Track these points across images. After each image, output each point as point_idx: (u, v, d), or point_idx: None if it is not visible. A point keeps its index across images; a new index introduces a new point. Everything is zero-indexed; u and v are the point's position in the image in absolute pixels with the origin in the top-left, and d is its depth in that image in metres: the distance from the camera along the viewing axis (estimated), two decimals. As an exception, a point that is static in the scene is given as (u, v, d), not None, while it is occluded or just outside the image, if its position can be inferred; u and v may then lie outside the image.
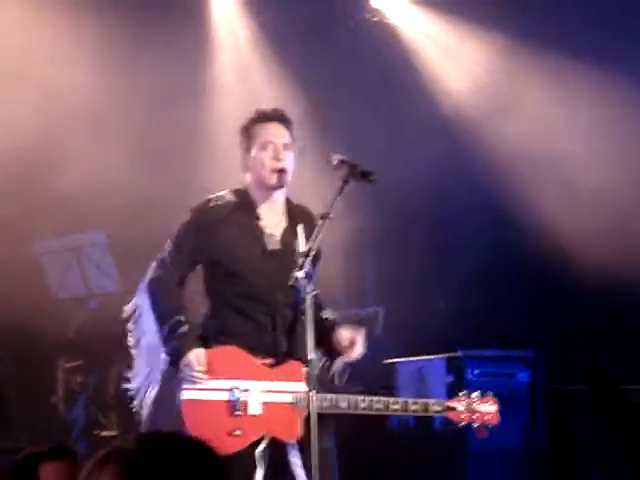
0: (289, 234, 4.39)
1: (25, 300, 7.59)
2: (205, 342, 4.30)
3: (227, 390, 4.18)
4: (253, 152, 4.43)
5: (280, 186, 4.41)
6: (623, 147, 7.75)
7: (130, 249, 7.83)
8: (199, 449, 2.05)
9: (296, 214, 4.43)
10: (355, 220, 7.53)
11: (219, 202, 4.44)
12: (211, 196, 4.47)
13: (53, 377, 7.92)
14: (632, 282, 7.32)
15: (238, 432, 4.14)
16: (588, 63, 7.74)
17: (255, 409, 4.22)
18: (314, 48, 8.58)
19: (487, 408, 4.51)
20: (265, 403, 4.24)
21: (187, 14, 8.43)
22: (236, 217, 4.40)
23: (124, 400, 7.71)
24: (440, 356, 7.38)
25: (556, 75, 8.02)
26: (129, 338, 4.55)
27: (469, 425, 4.48)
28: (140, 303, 4.46)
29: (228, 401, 4.18)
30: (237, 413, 4.17)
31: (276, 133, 4.44)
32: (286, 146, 4.42)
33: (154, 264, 4.43)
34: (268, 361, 4.29)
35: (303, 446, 4.20)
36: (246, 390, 4.20)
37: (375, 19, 8.83)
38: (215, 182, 8.00)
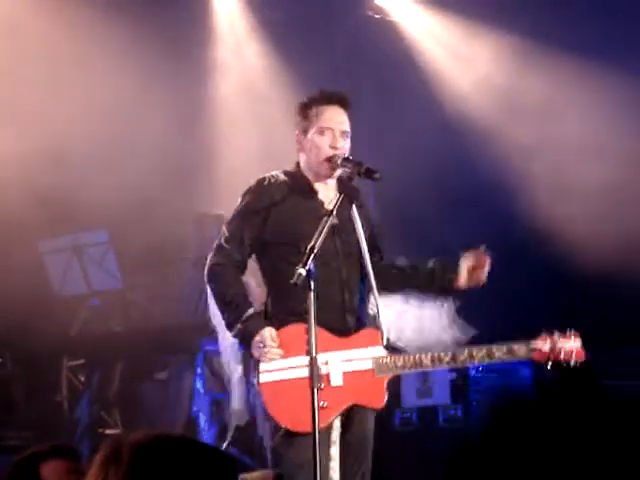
0: (345, 208, 4.29)
1: (28, 299, 7.60)
2: (271, 324, 4.23)
3: (305, 366, 4.02)
4: (310, 134, 4.35)
5: (331, 177, 4.37)
6: (628, 143, 7.74)
7: (132, 247, 7.85)
8: (214, 454, 2.01)
9: (346, 189, 4.29)
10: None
11: (273, 182, 4.36)
12: (265, 176, 4.39)
13: (57, 376, 7.92)
14: (633, 274, 7.33)
15: (324, 404, 4.00)
16: (593, 60, 7.73)
17: (337, 380, 4.18)
18: (316, 45, 8.57)
19: (571, 345, 4.29)
20: (346, 373, 4.20)
21: (188, 12, 8.42)
22: (293, 196, 4.34)
23: (127, 398, 7.81)
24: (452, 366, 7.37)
25: (562, 73, 8.01)
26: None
27: (557, 364, 4.28)
28: (208, 292, 4.42)
29: (308, 377, 4.03)
30: (319, 387, 4.00)
31: (336, 119, 4.35)
32: (344, 133, 4.35)
33: (212, 252, 4.37)
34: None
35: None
36: (325, 363, 4.14)
37: (377, 16, 8.81)
38: (217, 182, 8.08)
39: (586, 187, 7.69)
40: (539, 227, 7.90)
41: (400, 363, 4.26)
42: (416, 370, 4.33)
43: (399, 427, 7.57)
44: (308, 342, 3.94)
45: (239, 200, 4.41)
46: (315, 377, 3.90)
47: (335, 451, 4.24)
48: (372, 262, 4.37)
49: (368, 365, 4.24)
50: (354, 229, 4.35)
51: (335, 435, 4.25)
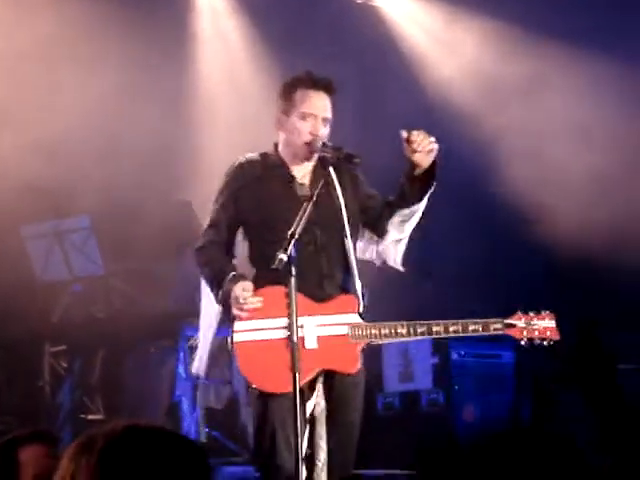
0: (319, 179, 4.28)
1: (9, 285, 7.58)
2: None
3: (282, 328, 4.10)
4: (292, 117, 4.36)
5: (309, 160, 4.38)
6: (614, 131, 7.75)
7: (113, 232, 7.83)
8: (186, 445, 2.01)
9: (326, 163, 4.33)
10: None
11: (248, 164, 4.40)
12: (239, 158, 4.43)
13: (39, 362, 7.91)
14: (620, 257, 7.36)
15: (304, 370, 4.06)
16: (577, 46, 7.74)
17: (311, 343, 4.19)
18: (297, 29, 8.55)
19: (546, 323, 4.38)
20: (320, 337, 4.21)
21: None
22: (268, 177, 4.37)
23: (109, 383, 7.81)
24: (423, 337, 7.39)
25: (546, 59, 8.01)
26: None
27: (530, 342, 4.37)
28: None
29: (284, 338, 4.10)
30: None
31: (319, 105, 4.36)
32: (325, 120, 4.36)
33: (200, 237, 4.42)
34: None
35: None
36: (300, 326, 4.11)
37: (359, 1, 8.79)
38: (197, 168, 8.07)
39: (572, 171, 7.72)
40: (524, 211, 7.92)
41: (375, 331, 4.29)
42: (391, 339, 4.38)
43: (381, 412, 7.60)
44: (287, 310, 4.01)
45: (222, 181, 4.45)
46: (295, 360, 3.92)
47: (322, 431, 4.25)
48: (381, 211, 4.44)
49: (343, 331, 4.27)
50: (334, 201, 4.35)
51: (322, 415, 4.26)
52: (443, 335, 4.39)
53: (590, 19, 7.78)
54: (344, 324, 4.27)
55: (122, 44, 7.74)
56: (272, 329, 4.17)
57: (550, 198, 7.76)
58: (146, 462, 1.93)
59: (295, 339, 3.97)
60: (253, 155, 4.45)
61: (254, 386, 4.19)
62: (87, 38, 7.70)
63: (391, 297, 8.11)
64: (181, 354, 7.39)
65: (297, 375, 3.92)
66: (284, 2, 8.59)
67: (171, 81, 8.24)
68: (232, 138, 7.89)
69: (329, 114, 4.38)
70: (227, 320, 4.25)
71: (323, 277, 4.31)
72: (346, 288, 4.35)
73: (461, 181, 8.38)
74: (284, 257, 3.91)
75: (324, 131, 4.35)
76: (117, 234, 7.81)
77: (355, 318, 4.28)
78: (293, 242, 3.93)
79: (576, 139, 7.77)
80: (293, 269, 3.93)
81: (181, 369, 7.39)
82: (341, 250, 4.35)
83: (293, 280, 3.94)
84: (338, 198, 4.35)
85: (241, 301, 4.13)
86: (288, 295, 4.01)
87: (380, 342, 4.40)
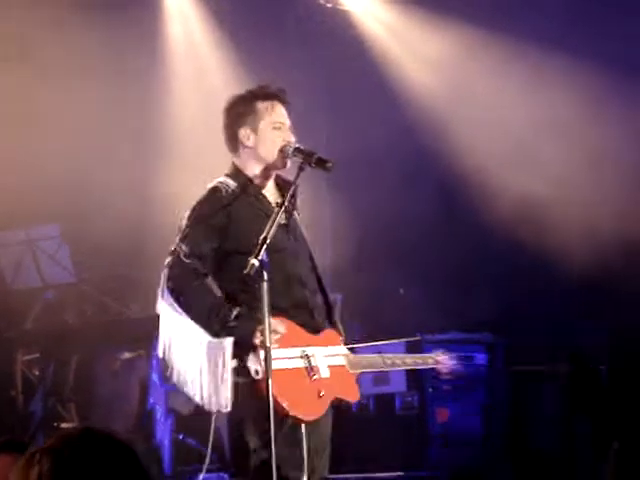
0: (289, 210, 4.29)
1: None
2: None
3: (299, 357, 4.20)
4: (263, 130, 4.31)
5: (284, 167, 4.34)
6: (583, 137, 7.80)
7: (82, 241, 7.82)
8: (121, 447, 2.06)
9: (284, 187, 4.33)
10: (312, 207, 7.54)
11: (225, 191, 4.27)
12: (216, 185, 4.29)
13: (11, 370, 7.86)
14: (595, 259, 7.41)
15: (322, 393, 4.21)
16: (554, 53, 7.78)
17: (325, 372, 4.28)
18: (266, 34, 8.56)
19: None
20: (330, 367, 4.30)
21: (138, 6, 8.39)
22: (245, 202, 4.28)
23: (82, 391, 7.77)
24: (399, 340, 7.41)
25: (519, 65, 8.06)
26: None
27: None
28: (164, 310, 4.21)
29: (305, 367, 4.21)
30: (315, 377, 4.20)
31: (284, 113, 4.37)
32: (291, 128, 4.37)
33: (168, 266, 4.19)
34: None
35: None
36: (312, 355, 4.23)
37: (329, 5, 8.81)
38: (169, 175, 8.06)
39: (548, 180, 7.78)
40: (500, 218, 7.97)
41: (365, 362, 4.46)
42: (378, 369, 4.61)
43: (356, 414, 7.61)
44: (290, 335, 4.11)
45: (190, 211, 4.27)
46: (269, 369, 3.92)
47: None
48: None
49: (342, 361, 4.36)
50: (300, 231, 4.41)
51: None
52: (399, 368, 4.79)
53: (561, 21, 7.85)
54: (341, 355, 4.36)
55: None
56: (292, 358, 4.21)
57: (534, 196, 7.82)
58: (76, 465, 2.01)
59: (268, 365, 3.93)
60: (227, 180, 4.32)
61: (292, 414, 4.13)
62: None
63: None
64: (154, 361, 7.36)
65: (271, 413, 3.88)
66: (253, 5, 8.60)
67: (142, 95, 8.24)
68: (203, 146, 7.88)
69: (290, 122, 4.39)
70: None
71: (312, 309, 4.32)
72: (330, 317, 4.42)
73: (433, 185, 8.44)
74: (255, 262, 3.89)
75: (293, 138, 4.35)
76: (89, 241, 7.80)
77: (344, 350, 4.39)
78: (265, 247, 3.93)
79: (552, 137, 7.84)
80: (265, 274, 3.92)
81: (155, 376, 7.36)
82: (316, 278, 4.41)
83: (265, 285, 3.94)
84: (301, 231, 4.41)
85: (280, 331, 4.08)
86: (291, 326, 4.14)
87: (368, 371, 4.58)
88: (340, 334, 4.40)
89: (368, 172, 8.41)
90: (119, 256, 8.02)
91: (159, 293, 4.20)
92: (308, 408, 4.17)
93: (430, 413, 7.35)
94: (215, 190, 4.29)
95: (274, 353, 4.02)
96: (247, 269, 3.87)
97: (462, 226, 8.29)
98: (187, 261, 4.17)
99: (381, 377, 7.53)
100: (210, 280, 4.25)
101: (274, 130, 4.32)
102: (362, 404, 7.61)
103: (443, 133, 8.26)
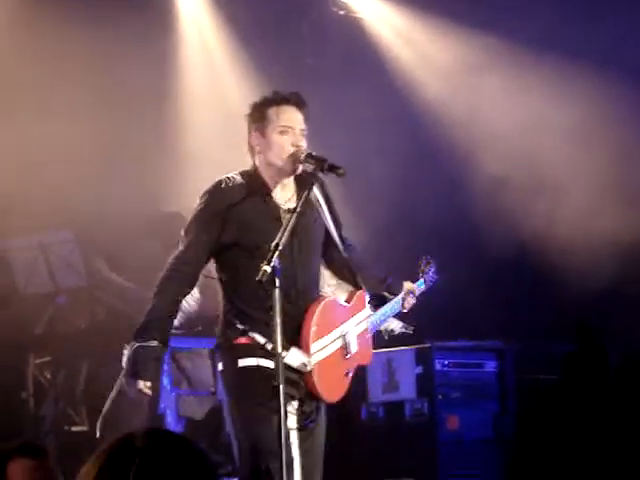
0: (304, 206, 4.23)
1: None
2: (234, 327, 4.28)
3: (339, 337, 4.39)
4: (269, 135, 4.33)
5: (295, 173, 4.36)
6: (588, 143, 7.81)
7: (95, 246, 7.85)
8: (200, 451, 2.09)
9: (305, 183, 4.30)
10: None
11: (230, 185, 4.33)
12: (221, 178, 4.36)
13: (23, 374, 7.89)
14: (603, 265, 7.41)
15: (348, 372, 4.42)
16: (561, 59, 7.79)
17: (354, 347, 4.46)
18: (280, 41, 8.58)
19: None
20: (357, 336, 4.49)
21: (152, 8, 8.41)
22: (250, 198, 4.31)
23: (93, 394, 7.79)
24: (409, 347, 7.42)
25: (528, 72, 8.07)
26: None
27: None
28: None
29: (341, 347, 4.40)
30: (348, 356, 4.42)
31: (295, 118, 4.35)
32: (303, 132, 4.37)
33: (172, 256, 4.34)
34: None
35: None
36: (347, 333, 4.43)
37: (341, 12, 8.82)
38: (179, 180, 8.08)
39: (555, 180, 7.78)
40: (507, 223, 7.98)
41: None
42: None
43: (366, 422, 7.61)
44: (328, 319, 4.32)
45: (197, 202, 4.38)
46: (280, 374, 3.92)
47: (296, 453, 4.27)
48: (338, 255, 4.54)
49: (364, 326, 4.57)
50: (315, 221, 4.41)
51: (293, 436, 4.27)
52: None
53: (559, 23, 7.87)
54: (363, 321, 4.56)
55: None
56: (332, 342, 4.36)
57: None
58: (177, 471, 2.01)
59: (279, 369, 3.91)
60: (235, 175, 4.39)
61: (328, 402, 4.36)
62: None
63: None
64: (165, 365, 7.37)
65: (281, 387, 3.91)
66: (267, 13, 8.61)
67: (153, 93, 8.25)
68: (215, 151, 7.90)
69: (304, 126, 4.38)
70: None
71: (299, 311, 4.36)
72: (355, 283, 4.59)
73: (441, 193, 8.44)
74: (268, 269, 3.89)
75: (304, 143, 4.35)
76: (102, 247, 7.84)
77: (368, 311, 4.62)
78: (277, 253, 3.94)
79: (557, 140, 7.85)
80: (277, 280, 3.92)
81: (166, 381, 7.38)
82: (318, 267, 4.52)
83: (277, 292, 3.94)
84: (317, 221, 4.44)
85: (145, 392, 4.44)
86: (329, 307, 4.36)
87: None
88: (363, 297, 4.57)
89: (377, 179, 8.42)
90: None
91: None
92: (334, 392, 4.39)
93: (440, 420, 7.35)
94: (219, 183, 4.36)
95: (320, 343, 4.28)
96: (259, 276, 3.87)
97: (473, 233, 8.29)
98: (183, 255, 4.31)
99: (390, 384, 7.53)
100: (192, 284, 4.38)
101: (281, 134, 4.32)
102: (371, 412, 7.62)
103: (456, 139, 8.28)
